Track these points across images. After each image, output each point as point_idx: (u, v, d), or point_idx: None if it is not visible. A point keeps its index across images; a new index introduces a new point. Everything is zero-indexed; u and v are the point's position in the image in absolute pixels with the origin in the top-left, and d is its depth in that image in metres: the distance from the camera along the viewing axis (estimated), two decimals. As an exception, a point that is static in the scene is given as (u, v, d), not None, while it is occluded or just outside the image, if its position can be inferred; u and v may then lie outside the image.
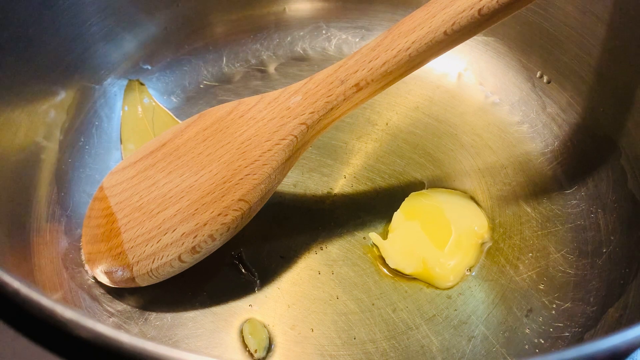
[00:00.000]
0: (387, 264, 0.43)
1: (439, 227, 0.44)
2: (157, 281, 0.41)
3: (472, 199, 0.47)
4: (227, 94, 0.54)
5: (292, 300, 0.42)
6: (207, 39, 0.56)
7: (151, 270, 0.40)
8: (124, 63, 0.53)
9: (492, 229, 0.46)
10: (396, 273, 0.43)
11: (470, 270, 0.44)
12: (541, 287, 0.43)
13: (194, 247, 0.39)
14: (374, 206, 0.47)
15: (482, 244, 0.45)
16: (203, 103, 0.53)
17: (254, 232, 0.44)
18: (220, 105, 0.43)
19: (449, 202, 0.46)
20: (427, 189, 0.48)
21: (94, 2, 0.49)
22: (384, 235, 0.45)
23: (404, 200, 0.46)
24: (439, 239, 0.44)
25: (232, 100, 0.44)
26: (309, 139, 0.41)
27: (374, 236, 0.44)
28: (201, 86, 0.55)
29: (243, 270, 0.44)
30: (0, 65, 0.42)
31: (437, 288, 0.43)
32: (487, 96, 0.54)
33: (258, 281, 0.43)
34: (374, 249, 0.45)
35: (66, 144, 0.47)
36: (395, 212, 0.45)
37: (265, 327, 0.41)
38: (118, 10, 0.51)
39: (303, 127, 0.40)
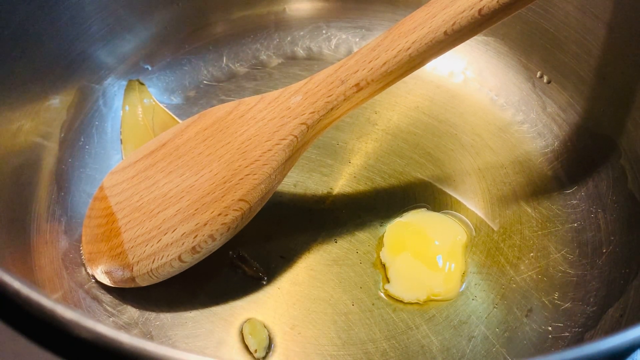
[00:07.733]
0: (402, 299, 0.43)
1: (427, 251, 0.44)
2: (157, 281, 0.41)
3: (428, 209, 0.47)
4: (227, 93, 0.54)
5: (292, 300, 0.42)
6: (207, 39, 0.56)
7: (151, 270, 0.40)
8: (124, 63, 0.53)
9: (468, 230, 0.46)
10: (415, 303, 0.43)
11: (464, 275, 0.44)
12: (541, 287, 0.43)
13: (194, 247, 0.39)
14: (374, 206, 0.47)
15: (465, 247, 0.45)
16: (203, 103, 0.53)
17: (254, 232, 0.43)
18: (221, 105, 0.43)
19: (423, 223, 0.46)
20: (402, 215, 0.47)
21: (94, 2, 0.49)
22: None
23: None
24: (432, 261, 0.44)
25: (232, 100, 0.44)
26: (309, 139, 0.41)
27: (388, 288, 0.43)
28: (201, 86, 0.55)
29: (247, 269, 0.44)
30: (0, 65, 0.42)
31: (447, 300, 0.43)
32: (487, 96, 0.54)
33: (264, 281, 0.43)
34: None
35: (66, 143, 0.47)
36: (380, 252, 0.44)
37: (265, 327, 0.41)
38: (118, 10, 0.51)
39: (303, 127, 0.40)
